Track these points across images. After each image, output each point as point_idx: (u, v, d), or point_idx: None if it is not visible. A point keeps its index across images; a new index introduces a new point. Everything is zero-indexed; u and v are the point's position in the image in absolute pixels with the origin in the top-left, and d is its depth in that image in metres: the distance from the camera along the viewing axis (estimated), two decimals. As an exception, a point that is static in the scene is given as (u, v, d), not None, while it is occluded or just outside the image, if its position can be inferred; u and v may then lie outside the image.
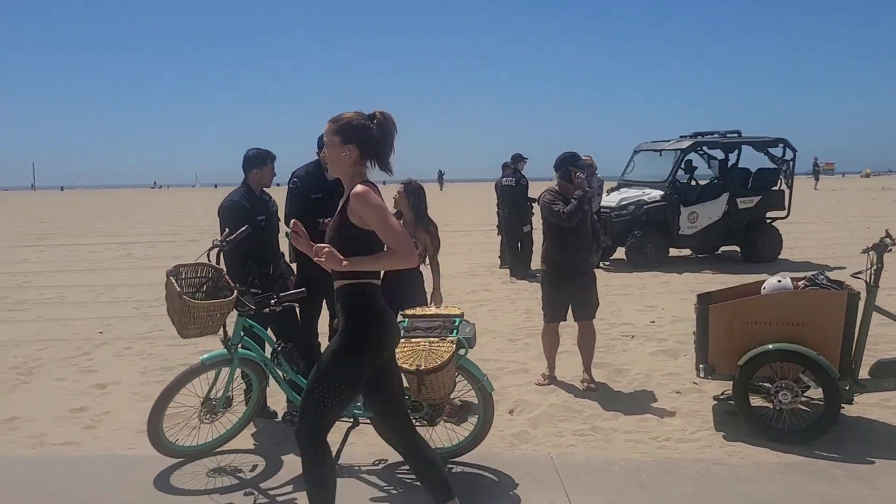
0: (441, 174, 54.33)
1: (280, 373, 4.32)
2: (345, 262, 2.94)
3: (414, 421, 4.20)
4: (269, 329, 4.66)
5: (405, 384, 4.04)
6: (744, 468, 4.16)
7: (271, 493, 3.99)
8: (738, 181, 12.80)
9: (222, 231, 4.89)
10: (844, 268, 11.62)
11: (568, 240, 5.67)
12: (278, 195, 5.29)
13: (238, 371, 4.37)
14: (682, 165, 12.88)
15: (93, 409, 5.42)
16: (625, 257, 12.34)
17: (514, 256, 11.45)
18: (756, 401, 4.66)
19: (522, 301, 9.35)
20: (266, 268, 5.08)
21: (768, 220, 12.89)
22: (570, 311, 5.80)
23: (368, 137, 3.07)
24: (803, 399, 4.61)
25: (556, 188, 5.80)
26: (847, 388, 4.53)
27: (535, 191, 11.94)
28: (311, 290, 4.66)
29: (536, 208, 11.64)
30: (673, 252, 12.84)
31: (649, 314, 8.36)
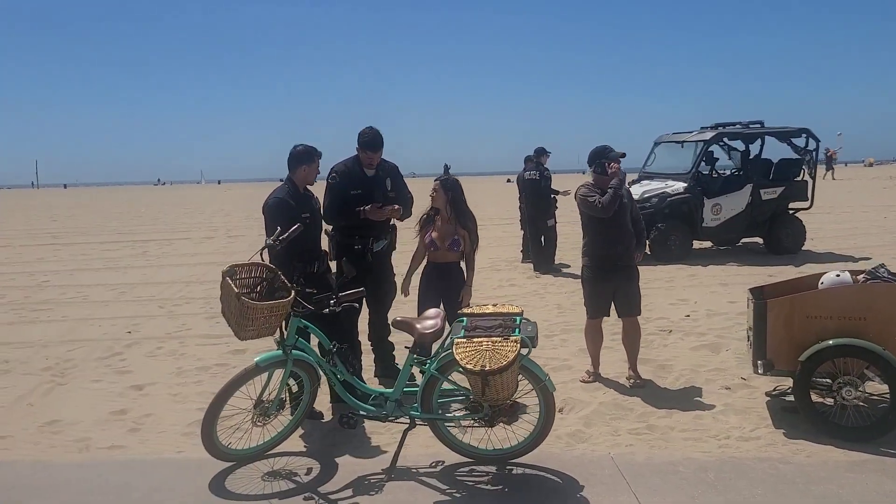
0: (447, 168, 54.15)
1: (336, 374, 4.23)
2: None
3: (472, 422, 4.13)
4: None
5: (468, 385, 3.96)
6: (812, 467, 4.07)
7: (332, 497, 3.89)
8: (761, 172, 12.67)
9: (268, 229, 4.79)
10: (870, 258, 11.52)
11: (609, 232, 5.57)
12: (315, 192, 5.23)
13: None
14: (704, 157, 12.74)
15: (134, 411, 5.34)
16: (648, 250, 12.22)
17: (538, 251, 11.34)
18: (813, 396, 4.57)
19: (551, 296, 9.24)
20: (311, 266, 4.98)
21: (791, 211, 12.76)
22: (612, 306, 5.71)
23: None
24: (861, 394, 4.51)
25: (592, 182, 5.71)
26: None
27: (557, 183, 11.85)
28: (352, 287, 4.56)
29: (561, 201, 11.61)
30: (695, 244, 12.72)
31: (682, 308, 8.25)
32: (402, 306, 5.83)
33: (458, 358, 3.79)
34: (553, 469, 4.12)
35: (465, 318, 4.09)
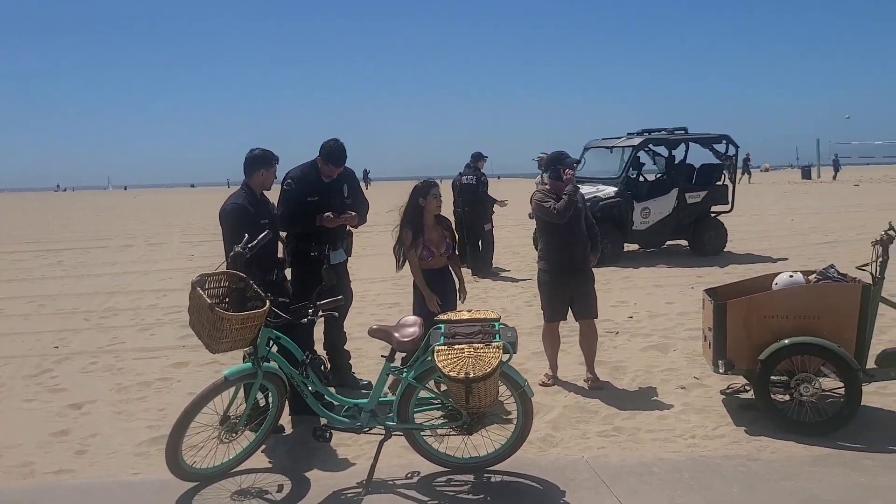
0: (366, 172, 53.70)
1: (307, 385, 4.07)
2: None
3: (450, 431, 4.06)
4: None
5: (447, 393, 3.89)
6: (779, 463, 4.20)
7: (309, 514, 3.75)
8: (685, 177, 13.11)
9: (227, 237, 4.60)
10: (787, 259, 12.09)
11: (564, 237, 5.65)
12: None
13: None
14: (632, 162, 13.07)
15: (76, 431, 5.01)
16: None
17: (476, 255, 11.36)
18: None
19: (493, 300, 9.26)
20: (270, 274, 4.81)
21: (713, 215, 13.25)
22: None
23: None
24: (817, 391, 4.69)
25: (548, 187, 5.81)
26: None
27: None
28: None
29: (498, 211, 11.67)
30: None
31: (623, 309, 8.40)
32: (371, 316, 5.71)
33: (440, 365, 3.71)
34: (531, 475, 4.10)
35: (442, 325, 4.02)
